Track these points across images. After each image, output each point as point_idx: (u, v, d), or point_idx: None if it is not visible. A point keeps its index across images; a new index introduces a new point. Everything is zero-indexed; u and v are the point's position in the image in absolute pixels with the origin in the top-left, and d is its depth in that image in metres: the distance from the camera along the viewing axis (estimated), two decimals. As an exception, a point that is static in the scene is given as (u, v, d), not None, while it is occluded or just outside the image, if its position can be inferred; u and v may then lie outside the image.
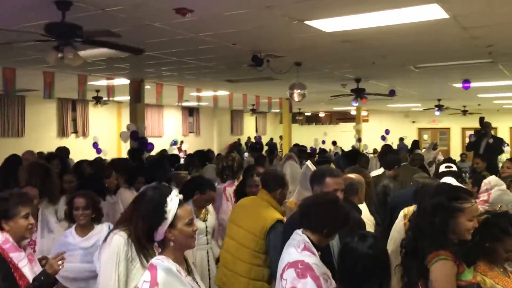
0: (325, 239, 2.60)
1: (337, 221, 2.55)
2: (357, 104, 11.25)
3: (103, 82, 10.72)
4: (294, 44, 6.39)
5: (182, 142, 19.01)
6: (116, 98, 12.77)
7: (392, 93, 11.30)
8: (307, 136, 21.45)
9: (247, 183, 4.60)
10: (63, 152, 8.58)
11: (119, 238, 2.71)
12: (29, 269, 2.62)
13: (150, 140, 11.36)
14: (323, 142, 19.92)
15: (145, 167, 5.79)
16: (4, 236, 2.62)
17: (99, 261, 2.80)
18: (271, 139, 23.33)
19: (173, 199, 2.24)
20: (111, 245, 2.73)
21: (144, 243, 2.56)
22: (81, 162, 7.13)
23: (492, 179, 4.45)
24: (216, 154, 10.47)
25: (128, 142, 10.61)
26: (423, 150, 13.49)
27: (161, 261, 2.16)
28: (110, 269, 2.66)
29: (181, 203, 2.27)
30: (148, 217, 2.27)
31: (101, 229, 3.48)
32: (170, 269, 2.15)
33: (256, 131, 24.88)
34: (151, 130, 17.84)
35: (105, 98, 12.89)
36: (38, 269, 2.71)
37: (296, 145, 12.69)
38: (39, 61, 7.12)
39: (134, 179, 5.43)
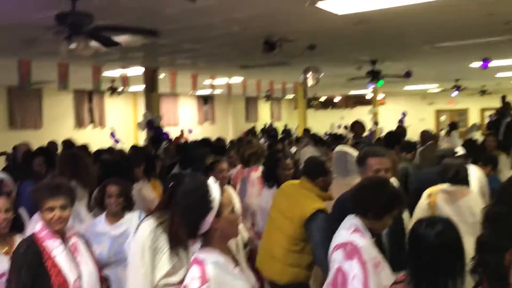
0: (377, 224, 2.49)
1: (379, 203, 2.44)
2: (373, 87, 11.08)
3: (117, 72, 10.76)
4: (306, 27, 6.31)
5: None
6: (131, 89, 12.81)
7: (407, 75, 11.13)
8: (322, 121, 21.29)
9: (280, 166, 4.45)
10: (53, 146, 8.54)
11: (145, 228, 2.66)
12: (65, 257, 2.54)
13: (165, 129, 11.40)
14: (339, 126, 19.76)
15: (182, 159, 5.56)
16: (41, 225, 2.61)
17: (129, 250, 2.77)
18: (285, 125, 23.24)
19: (214, 186, 2.09)
20: (137, 235, 2.70)
21: (183, 237, 2.37)
22: (99, 151, 7.24)
23: None
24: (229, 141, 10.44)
25: (145, 131, 10.69)
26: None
27: (208, 255, 2.04)
28: (137, 261, 2.62)
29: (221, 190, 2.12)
30: (192, 208, 2.08)
31: (131, 217, 3.41)
32: (218, 263, 2.03)
33: (272, 117, 24.80)
34: (167, 119, 17.88)
35: (120, 89, 12.96)
36: (81, 258, 2.61)
37: (307, 130, 12.67)
38: (54, 53, 7.16)
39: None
